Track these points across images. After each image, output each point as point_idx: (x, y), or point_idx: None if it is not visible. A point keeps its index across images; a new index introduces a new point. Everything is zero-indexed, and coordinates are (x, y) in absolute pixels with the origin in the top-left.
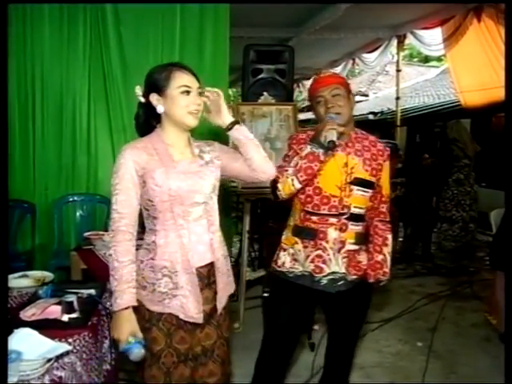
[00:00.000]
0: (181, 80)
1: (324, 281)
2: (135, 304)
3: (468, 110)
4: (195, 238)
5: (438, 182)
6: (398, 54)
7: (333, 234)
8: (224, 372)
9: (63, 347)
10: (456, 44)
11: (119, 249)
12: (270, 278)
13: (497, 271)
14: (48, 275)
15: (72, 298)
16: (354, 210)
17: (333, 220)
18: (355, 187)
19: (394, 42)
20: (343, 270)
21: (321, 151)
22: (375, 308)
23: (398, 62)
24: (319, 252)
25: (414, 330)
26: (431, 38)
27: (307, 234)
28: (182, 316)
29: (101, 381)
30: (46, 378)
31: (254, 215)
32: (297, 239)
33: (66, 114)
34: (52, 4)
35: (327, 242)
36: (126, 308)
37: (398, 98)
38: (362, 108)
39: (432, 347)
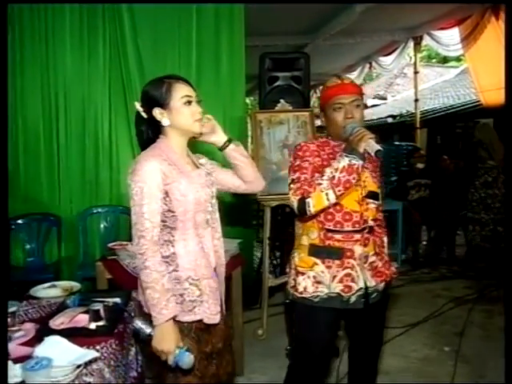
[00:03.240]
0: (182, 91)
1: (353, 298)
2: (178, 312)
3: (489, 110)
4: (207, 245)
5: (463, 184)
6: (415, 55)
7: (359, 250)
8: (232, 356)
9: (91, 354)
10: (474, 43)
11: (156, 259)
12: (290, 306)
13: None
14: (75, 285)
15: (99, 307)
16: (370, 223)
17: (357, 236)
18: (370, 200)
19: (411, 44)
20: (374, 284)
21: (360, 163)
22: (400, 313)
23: (415, 63)
24: (347, 271)
25: (440, 334)
26: (449, 39)
27: (332, 254)
28: (206, 320)
29: None
30: None
31: (275, 222)
32: (316, 260)
33: (88, 129)
34: (72, 15)
35: (354, 259)
36: (170, 318)
37: (416, 100)
38: (380, 111)
39: (460, 351)
